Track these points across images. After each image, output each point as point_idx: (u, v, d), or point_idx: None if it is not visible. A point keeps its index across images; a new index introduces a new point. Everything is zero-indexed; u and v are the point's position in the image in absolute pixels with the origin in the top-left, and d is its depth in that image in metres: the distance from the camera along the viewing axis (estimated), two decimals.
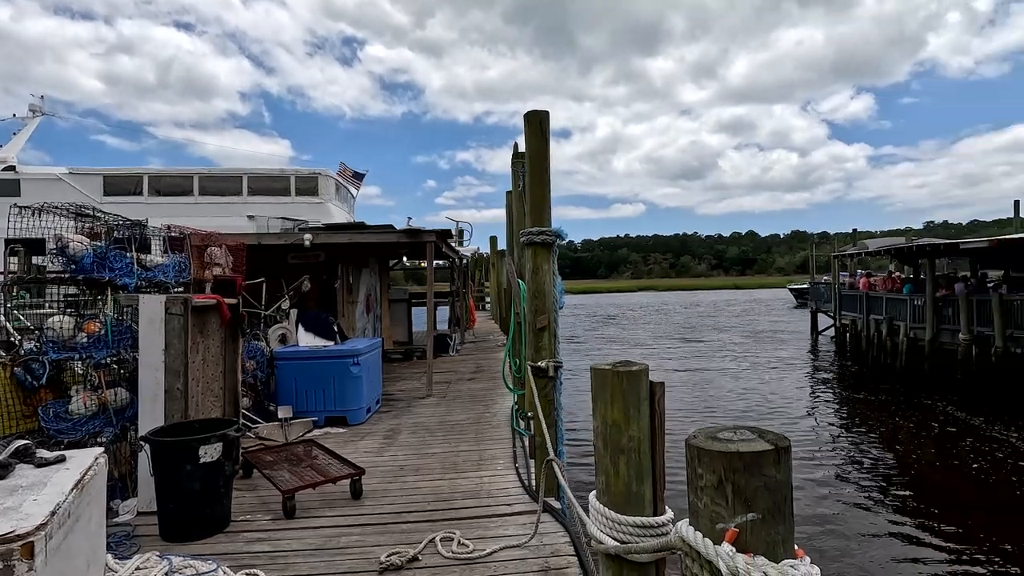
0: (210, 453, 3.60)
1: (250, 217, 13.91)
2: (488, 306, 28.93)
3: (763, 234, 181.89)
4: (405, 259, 16.16)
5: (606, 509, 1.98)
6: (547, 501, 4.01)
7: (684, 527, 1.12)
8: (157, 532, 3.68)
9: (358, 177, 20.73)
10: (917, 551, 6.93)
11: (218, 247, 6.19)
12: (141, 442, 3.81)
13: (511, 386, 5.71)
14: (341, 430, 6.47)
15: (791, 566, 0.99)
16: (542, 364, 4.19)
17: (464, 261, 17.84)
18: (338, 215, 16.89)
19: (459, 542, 3.52)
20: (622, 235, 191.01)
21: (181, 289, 5.37)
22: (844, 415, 14.17)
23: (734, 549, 1.01)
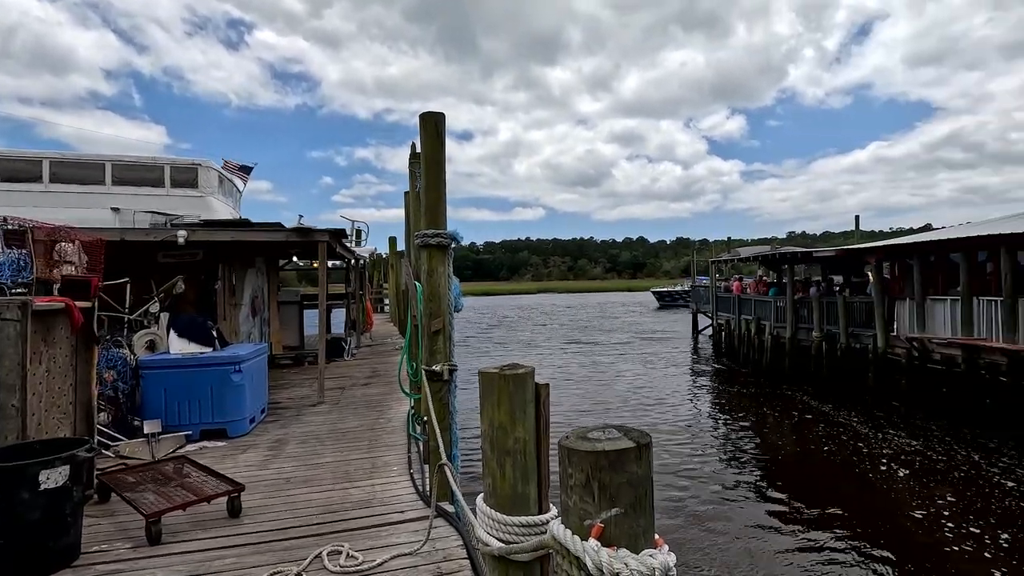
0: (54, 478, 3.16)
1: (114, 210, 12.42)
2: (387, 308, 28.24)
3: (652, 240, 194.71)
4: (296, 259, 15.28)
5: (492, 511, 2.00)
6: (441, 506, 3.99)
7: (555, 525, 1.16)
8: None
9: (245, 170, 19.26)
10: (776, 528, 7.75)
11: (70, 243, 5.46)
12: None
13: (407, 390, 5.62)
14: (220, 444, 5.97)
15: (650, 555, 1.06)
16: (436, 368, 4.16)
17: (361, 262, 17.24)
18: (221, 210, 15.60)
19: (348, 555, 3.38)
20: (523, 238, 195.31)
21: (23, 291, 4.67)
22: (719, 407, 15.52)
23: (599, 544, 1.06)
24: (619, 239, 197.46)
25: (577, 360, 24.06)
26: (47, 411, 4.11)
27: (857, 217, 25.48)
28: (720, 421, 13.89)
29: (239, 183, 18.77)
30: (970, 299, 12.39)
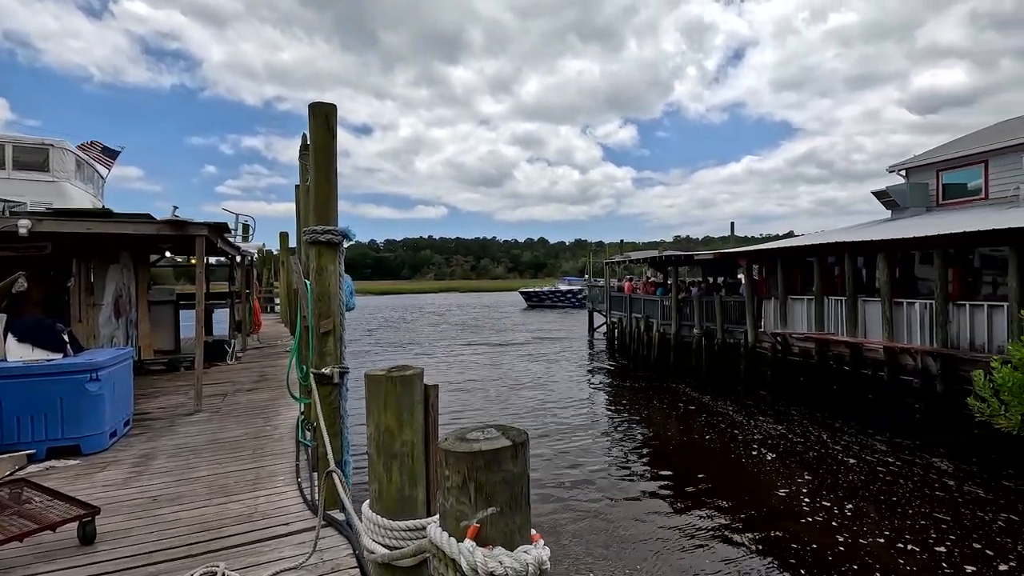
0: None
1: None
2: (278, 308, 26.61)
3: (552, 241, 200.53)
4: (172, 255, 13.89)
5: (377, 516, 1.95)
6: (331, 515, 3.82)
7: (432, 528, 1.15)
8: None
9: (109, 154, 17.19)
10: (658, 513, 8.30)
11: None
12: None
13: (297, 395, 5.31)
14: (73, 462, 5.28)
15: (524, 551, 1.08)
16: (326, 370, 3.98)
17: (248, 259, 16.06)
18: (79, 198, 13.81)
19: (224, 575, 3.13)
20: (425, 236, 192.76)
21: None
22: (611, 401, 16.35)
23: (474, 544, 1.06)
24: (521, 239, 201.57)
25: (476, 360, 24.20)
26: None
27: (732, 223, 28.00)
28: (611, 414, 14.63)
29: (102, 169, 16.72)
30: (821, 299, 14.09)
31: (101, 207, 14.19)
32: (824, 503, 8.28)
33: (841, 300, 13.52)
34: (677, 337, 19.20)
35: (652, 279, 26.73)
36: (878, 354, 12.18)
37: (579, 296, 54.69)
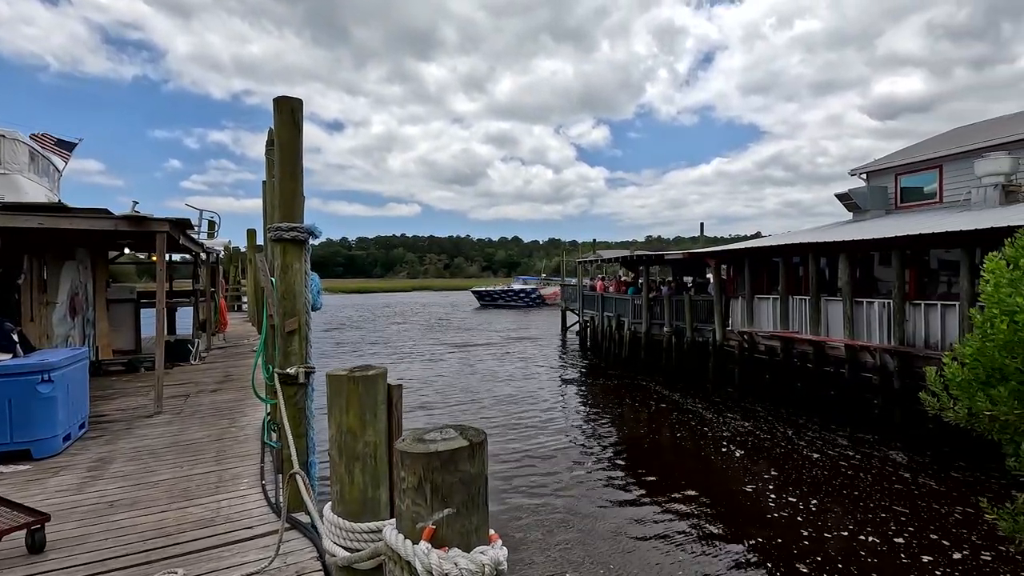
0: None
1: None
2: (245, 307, 26.00)
3: (526, 240, 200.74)
4: (132, 251, 13.44)
5: (339, 519, 1.92)
6: (295, 517, 3.75)
7: (388, 531, 1.13)
8: None
9: (65, 146, 16.51)
10: (628, 512, 8.40)
11: None
12: None
13: (262, 395, 5.20)
14: (23, 467, 5.06)
15: (480, 552, 1.07)
16: (291, 370, 3.90)
17: (213, 256, 15.65)
18: (32, 191, 13.20)
19: None
20: (398, 234, 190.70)
21: None
22: (583, 398, 16.47)
23: (430, 546, 1.05)
24: (495, 238, 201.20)
25: (449, 358, 24.09)
26: None
27: (702, 224, 28.81)
28: (582, 410, 14.75)
29: (58, 161, 16.04)
30: (786, 298, 14.46)
31: (56, 201, 13.63)
32: (790, 498, 8.49)
33: (805, 299, 13.90)
34: (648, 335, 19.46)
35: (624, 278, 27.04)
36: (840, 352, 12.57)
37: (532, 296, 54.01)
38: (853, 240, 12.13)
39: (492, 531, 1.17)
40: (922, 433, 10.23)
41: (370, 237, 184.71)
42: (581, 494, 8.95)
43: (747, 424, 12.56)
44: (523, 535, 7.40)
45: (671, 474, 9.80)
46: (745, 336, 15.29)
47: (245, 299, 26.56)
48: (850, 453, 10.40)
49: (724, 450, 10.93)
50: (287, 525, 3.46)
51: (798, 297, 14.29)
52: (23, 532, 3.35)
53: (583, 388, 18.10)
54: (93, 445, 5.74)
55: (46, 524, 3.46)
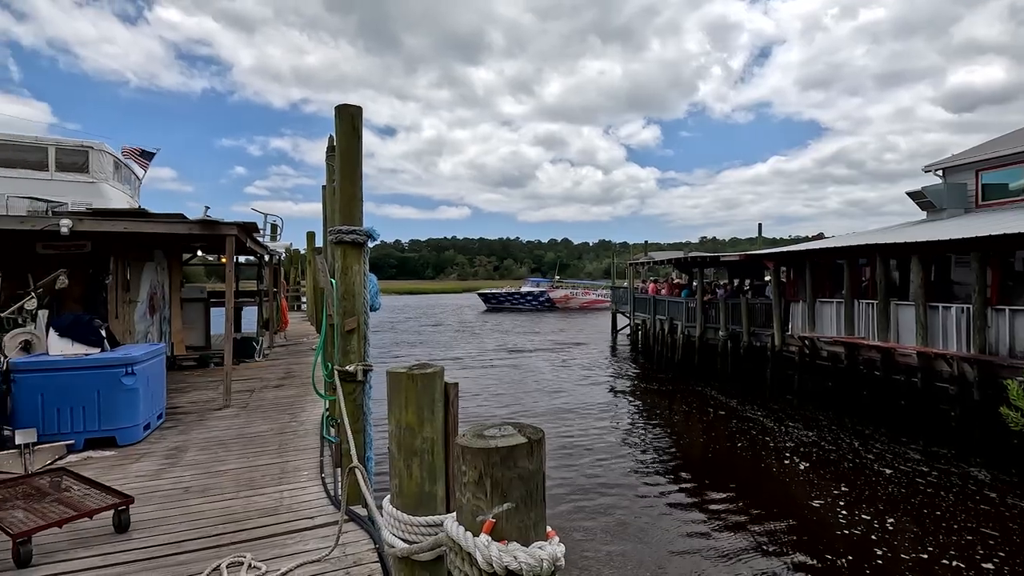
0: None
1: None
2: (305, 307, 27.10)
3: (576, 242, 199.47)
4: (204, 253, 14.28)
5: (397, 511, 1.98)
6: (353, 510, 3.89)
7: (449, 523, 1.17)
8: None
9: (146, 156, 17.77)
10: (688, 522, 8.19)
11: None
12: None
13: (322, 392, 5.42)
14: (109, 453, 5.48)
15: (539, 547, 1.09)
16: (350, 368, 4.05)
17: (276, 258, 16.41)
18: (116, 198, 14.29)
19: (250, 565, 3.22)
20: (448, 237, 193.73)
21: None
22: (635, 404, 16.20)
23: (490, 539, 1.08)
24: (544, 240, 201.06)
25: (498, 355, 24.24)
26: None
27: (760, 224, 27.67)
28: (635, 415, 14.50)
29: (138, 170, 17.29)
30: (852, 302, 13.73)
31: (137, 207, 14.66)
32: (862, 516, 7.96)
33: (872, 303, 13.16)
34: (702, 339, 18.93)
35: (677, 281, 26.42)
36: (911, 359, 11.82)
37: (541, 299, 52.52)
38: (928, 241, 11.39)
39: (549, 528, 1.19)
40: (1007, 449, 9.45)
41: (422, 239, 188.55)
42: (631, 498, 8.80)
43: (810, 434, 11.99)
44: (576, 538, 7.33)
45: (731, 485, 9.43)
46: (806, 341, 14.63)
47: (304, 299, 27.67)
48: (925, 469, 9.75)
49: (787, 462, 10.44)
50: (345, 517, 3.59)
51: (864, 301, 13.54)
52: (111, 512, 3.64)
53: (635, 392, 17.81)
54: (169, 434, 6.14)
55: (130, 506, 3.73)
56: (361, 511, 3.90)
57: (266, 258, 14.01)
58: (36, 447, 5.02)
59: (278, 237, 16.76)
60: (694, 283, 21.10)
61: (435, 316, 49.67)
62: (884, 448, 10.87)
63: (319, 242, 19.20)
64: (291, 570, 3.19)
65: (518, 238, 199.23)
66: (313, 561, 3.28)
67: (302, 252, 27.24)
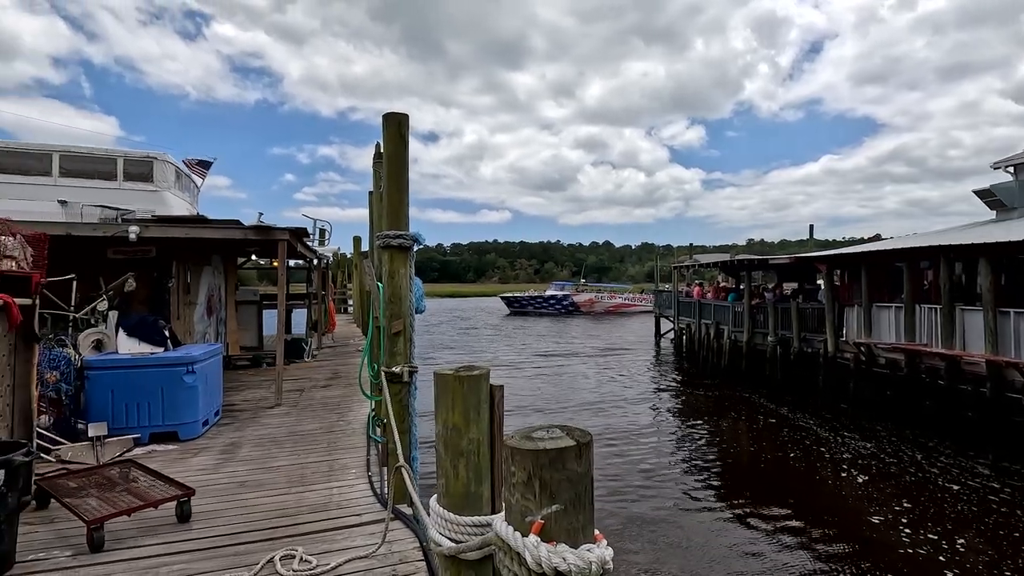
0: None
1: (62, 202, 11.87)
2: (351, 309, 27.83)
3: (617, 245, 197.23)
4: (256, 257, 14.90)
5: (444, 511, 2.02)
6: (399, 508, 3.97)
7: (498, 522, 1.19)
8: None
9: (204, 165, 18.70)
10: (737, 531, 7.95)
11: (10, 236, 5.19)
12: None
13: (368, 392, 5.56)
14: (171, 447, 5.78)
15: (587, 550, 1.10)
16: (396, 369, 4.14)
17: (324, 262, 16.93)
18: (177, 206, 15.08)
19: (301, 559, 3.33)
20: (490, 240, 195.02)
21: None
22: (681, 409, 15.86)
23: (539, 539, 1.09)
24: (585, 243, 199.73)
25: (538, 359, 24.19)
26: None
27: (811, 226, 26.60)
28: (681, 421, 14.19)
29: (197, 178, 18.20)
30: (912, 307, 13.03)
31: (196, 214, 15.43)
32: (929, 535, 7.49)
33: (935, 308, 12.45)
34: (750, 345, 18.37)
35: (723, 284, 25.73)
36: (979, 368, 11.11)
37: (565, 303, 51.21)
38: (999, 242, 10.70)
39: (597, 531, 1.19)
40: None
41: (463, 243, 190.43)
42: (678, 506, 8.61)
43: (868, 445, 11.43)
44: (621, 545, 7.22)
45: (784, 497, 9.02)
46: (862, 348, 13.97)
47: (351, 302, 28.41)
48: (996, 485, 9.13)
49: (844, 474, 9.95)
50: (391, 515, 3.67)
51: (927, 306, 12.83)
52: (174, 503, 3.84)
53: (680, 397, 17.44)
54: (226, 431, 6.43)
55: (191, 498, 3.93)
56: (406, 509, 3.98)
57: (315, 262, 14.47)
58: (106, 440, 5.35)
59: (327, 242, 17.29)
60: (741, 286, 20.51)
61: (452, 323, 47.68)
62: (950, 462, 10.25)
63: (365, 246, 19.71)
64: (339, 565, 3.28)
65: (559, 241, 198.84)
66: (361, 557, 3.37)
67: (348, 256, 27.99)
